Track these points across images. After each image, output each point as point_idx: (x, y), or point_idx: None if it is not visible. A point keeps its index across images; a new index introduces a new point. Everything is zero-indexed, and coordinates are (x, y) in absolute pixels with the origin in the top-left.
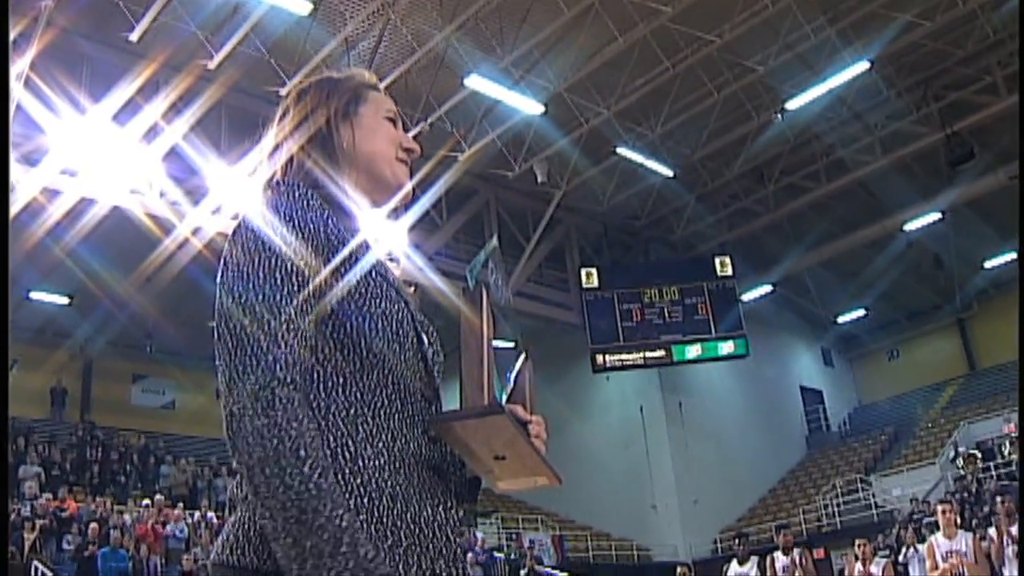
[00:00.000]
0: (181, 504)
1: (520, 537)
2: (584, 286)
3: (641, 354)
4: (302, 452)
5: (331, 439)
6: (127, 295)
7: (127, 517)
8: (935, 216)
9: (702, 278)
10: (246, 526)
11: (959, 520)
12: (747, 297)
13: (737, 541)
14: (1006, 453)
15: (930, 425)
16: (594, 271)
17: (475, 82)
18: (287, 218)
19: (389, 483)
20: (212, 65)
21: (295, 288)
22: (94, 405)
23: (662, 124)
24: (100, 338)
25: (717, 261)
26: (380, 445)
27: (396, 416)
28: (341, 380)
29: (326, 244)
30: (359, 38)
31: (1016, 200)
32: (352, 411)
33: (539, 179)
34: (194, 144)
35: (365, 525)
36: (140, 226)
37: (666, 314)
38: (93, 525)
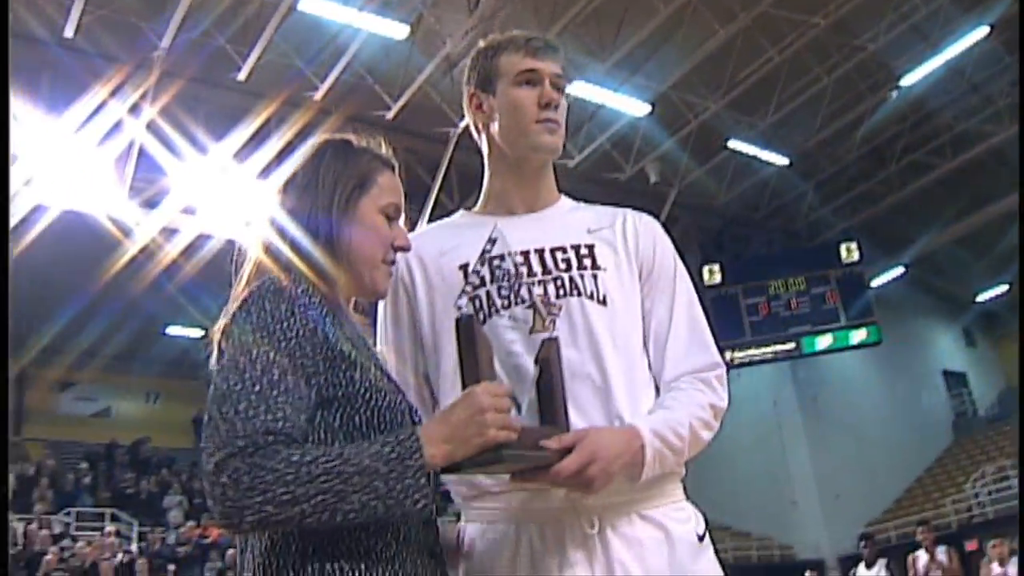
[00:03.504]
0: None
1: None
2: (707, 283)
3: (771, 348)
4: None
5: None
6: None
7: None
8: None
9: (828, 266)
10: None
11: None
12: (877, 282)
13: (863, 543)
14: None
15: None
16: (716, 267)
17: (578, 88)
18: (281, 315)
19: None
20: (318, 96)
21: (288, 388)
22: None
23: (773, 113)
24: None
25: (843, 247)
26: (388, 536)
27: None
28: None
29: (322, 344)
30: (459, 56)
31: None
32: None
33: (652, 179)
34: None
35: None
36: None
37: (793, 305)
38: (231, 552)
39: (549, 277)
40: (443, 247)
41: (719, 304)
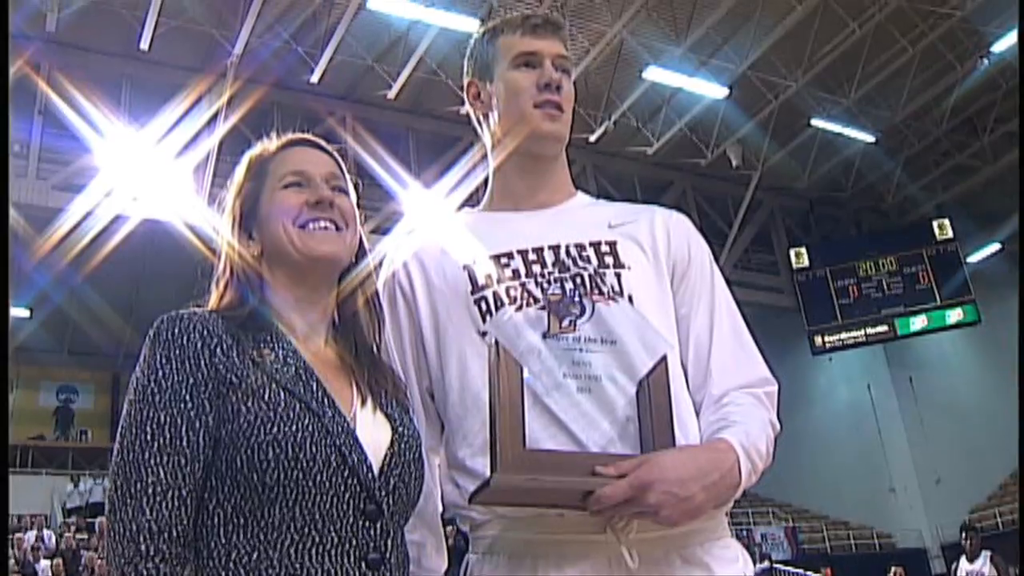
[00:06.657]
0: None
1: (751, 533)
2: (794, 267)
3: (862, 331)
4: None
5: None
6: None
7: None
8: None
9: (920, 244)
10: None
11: None
12: (973, 259)
13: (964, 535)
14: None
15: None
16: (803, 250)
17: (653, 74)
18: (156, 364)
19: None
20: (391, 95)
21: (166, 443)
22: None
23: (856, 89)
24: None
25: (935, 224)
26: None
27: (314, 549)
28: (241, 521)
29: (208, 379)
30: None
31: None
32: (255, 555)
33: (734, 163)
34: (389, 171)
35: None
36: None
37: (885, 287)
38: None
39: (566, 275)
40: (445, 246)
41: (807, 288)
